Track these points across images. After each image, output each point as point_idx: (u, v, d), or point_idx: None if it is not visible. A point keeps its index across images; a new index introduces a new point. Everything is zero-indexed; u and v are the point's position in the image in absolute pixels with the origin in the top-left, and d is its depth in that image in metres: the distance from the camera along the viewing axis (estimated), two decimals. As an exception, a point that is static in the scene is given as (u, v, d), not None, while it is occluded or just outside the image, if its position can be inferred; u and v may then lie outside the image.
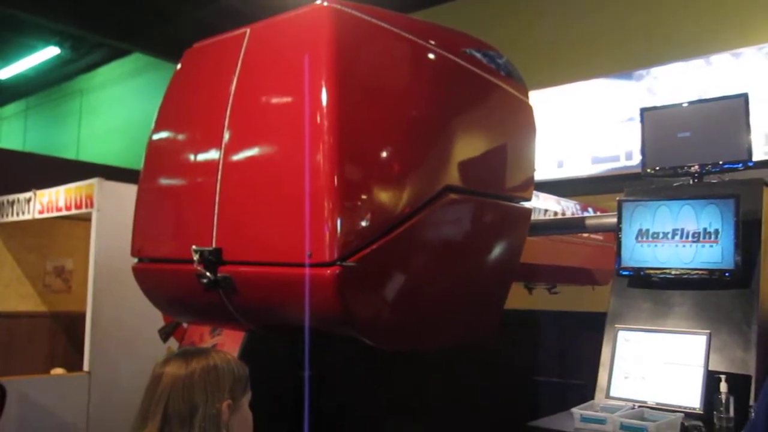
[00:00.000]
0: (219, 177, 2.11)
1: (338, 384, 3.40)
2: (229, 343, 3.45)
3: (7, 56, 8.61)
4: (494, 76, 2.39)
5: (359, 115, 1.93)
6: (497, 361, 3.33)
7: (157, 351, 4.44)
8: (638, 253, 2.22)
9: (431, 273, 2.09)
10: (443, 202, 2.07)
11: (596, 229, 2.66)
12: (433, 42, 2.21)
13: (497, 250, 2.32)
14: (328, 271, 1.80)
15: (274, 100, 2.05)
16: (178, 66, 2.51)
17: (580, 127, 4.35)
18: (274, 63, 2.09)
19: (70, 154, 9.35)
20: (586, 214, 2.77)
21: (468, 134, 2.23)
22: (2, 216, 5.09)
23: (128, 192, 4.30)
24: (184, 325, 4.21)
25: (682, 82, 4.07)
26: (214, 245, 2.09)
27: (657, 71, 4.19)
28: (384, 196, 1.94)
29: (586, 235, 3.66)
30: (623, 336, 2.07)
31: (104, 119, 9.60)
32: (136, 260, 2.46)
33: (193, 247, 2.11)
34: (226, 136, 2.13)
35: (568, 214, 3.57)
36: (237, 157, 2.10)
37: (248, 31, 2.22)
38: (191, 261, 2.14)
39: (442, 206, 2.06)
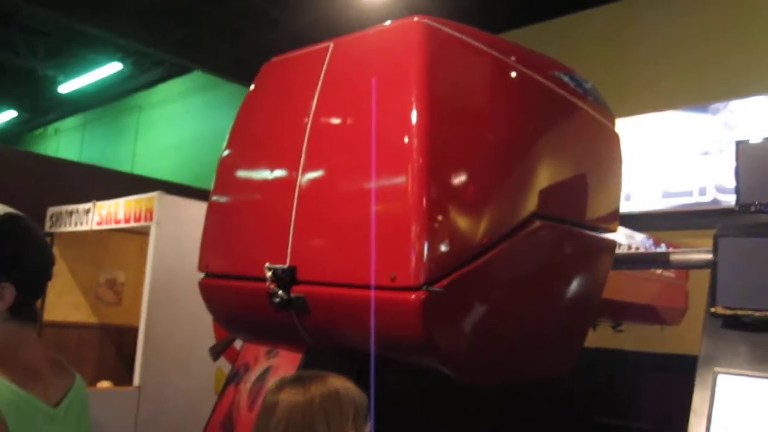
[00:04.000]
0: (296, 194, 2.05)
1: (394, 411, 3.29)
2: (285, 365, 3.37)
3: (71, 70, 8.84)
4: (583, 102, 2.29)
5: (448, 135, 1.85)
6: (556, 398, 3.19)
7: (209, 369, 4.40)
8: (735, 293, 2.07)
9: (515, 302, 1.98)
10: (530, 230, 1.96)
11: (685, 266, 2.52)
12: (522, 63, 2.12)
13: (581, 282, 2.20)
14: (413, 296, 1.71)
15: (359, 118, 1.98)
16: (255, 80, 2.47)
17: (651, 159, 4.20)
18: (359, 78, 2.02)
19: (125, 169, 9.50)
20: (669, 249, 2.63)
21: (556, 160, 2.13)
22: (61, 226, 5.14)
23: (187, 206, 4.32)
24: (236, 344, 4.16)
25: (761, 116, 3.90)
26: (288, 263, 2.02)
27: (735, 105, 4.03)
28: (472, 220, 1.84)
29: (658, 271, 3.51)
30: (723, 381, 1.93)
31: (160, 136, 9.76)
32: (202, 275, 2.41)
33: (267, 264, 2.04)
34: (305, 152, 2.07)
35: (641, 249, 3.42)
36: (316, 174, 2.03)
37: (331, 45, 2.17)
38: (263, 279, 2.07)
39: (529, 233, 1.96)
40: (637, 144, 4.27)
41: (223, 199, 2.37)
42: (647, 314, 3.61)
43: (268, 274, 2.04)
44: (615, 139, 2.43)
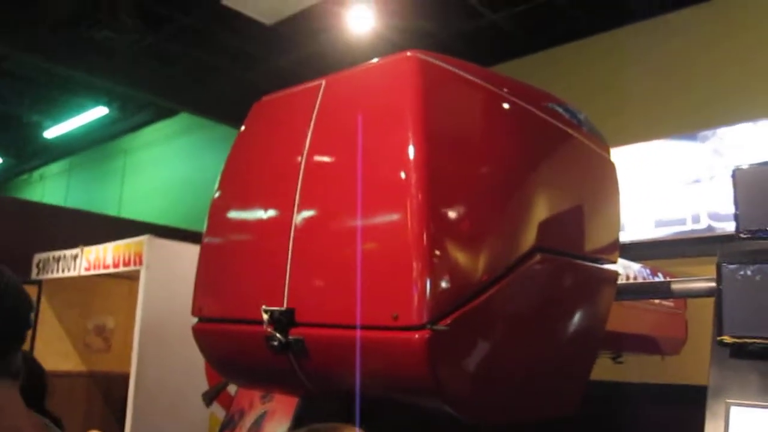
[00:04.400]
0: (291, 234, 2.00)
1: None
2: (280, 410, 3.28)
3: (56, 115, 8.80)
4: (578, 132, 2.28)
5: (447, 170, 1.82)
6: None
7: (202, 416, 4.28)
8: (742, 321, 2.04)
9: (519, 339, 1.93)
10: (533, 263, 1.93)
11: (688, 295, 2.48)
12: (516, 95, 2.11)
13: (584, 316, 2.16)
14: (417, 335, 1.66)
15: (354, 155, 1.95)
16: (246, 120, 2.44)
17: (642, 189, 4.20)
18: (353, 115, 2.00)
19: (111, 213, 9.42)
20: (670, 279, 2.60)
21: (554, 191, 2.10)
22: (48, 272, 5.04)
23: (177, 249, 4.25)
24: (230, 389, 4.05)
25: (750, 143, 3.92)
26: (285, 305, 1.97)
27: (723, 132, 4.05)
28: (473, 256, 1.80)
29: (657, 301, 3.47)
30: (736, 413, 1.88)
31: (147, 179, 9.70)
32: (195, 320, 2.35)
33: (263, 307, 1.99)
34: (300, 192, 2.03)
35: (639, 279, 3.39)
36: (311, 214, 1.99)
37: (323, 83, 2.15)
38: (259, 322, 2.01)
39: (532, 267, 1.92)
40: (627, 174, 4.27)
41: (216, 242, 2.32)
42: (647, 344, 3.56)
43: (265, 316, 1.98)
44: (611, 168, 2.41)
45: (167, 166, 9.31)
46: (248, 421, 3.38)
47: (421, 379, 1.70)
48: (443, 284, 1.70)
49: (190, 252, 4.28)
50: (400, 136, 1.81)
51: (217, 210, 2.33)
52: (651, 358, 3.91)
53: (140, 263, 4.05)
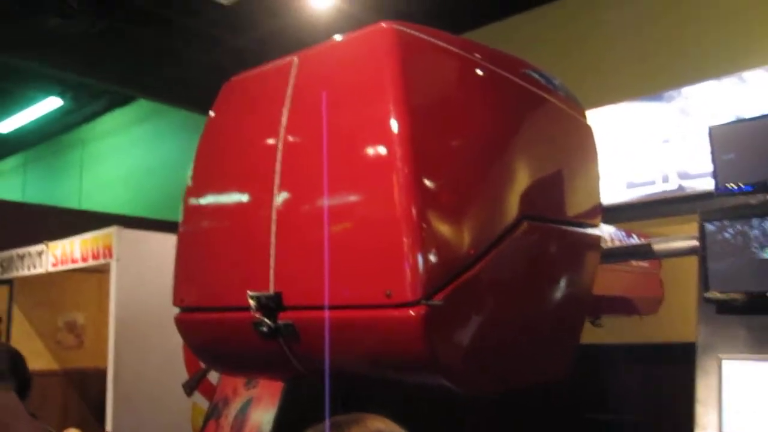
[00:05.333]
0: (273, 217, 1.95)
1: None
2: (266, 395, 3.24)
3: (8, 109, 8.50)
4: (555, 98, 2.26)
5: (431, 142, 1.78)
6: (542, 397, 3.14)
7: (184, 406, 4.22)
8: (727, 277, 2.06)
9: (511, 308, 1.92)
10: (520, 232, 1.91)
11: (671, 254, 2.50)
12: (494, 63, 2.08)
13: (572, 281, 2.16)
14: (412, 311, 1.63)
15: (334, 131, 1.90)
16: (216, 102, 2.36)
17: (611, 152, 4.22)
18: (330, 91, 1.94)
19: (72, 206, 9.17)
20: (652, 240, 2.62)
21: (536, 158, 2.09)
22: (13, 271, 4.89)
23: (147, 240, 4.15)
24: (211, 378, 4.00)
25: (715, 100, 3.96)
26: (272, 290, 1.92)
27: (688, 91, 4.08)
28: (463, 228, 1.78)
29: (633, 262, 3.50)
30: (728, 367, 1.90)
31: (107, 169, 9.46)
32: (176, 311, 2.29)
33: (249, 293, 1.94)
34: (280, 172, 1.97)
35: (616, 242, 3.41)
36: (293, 194, 1.94)
37: (296, 59, 2.09)
38: (245, 308, 1.96)
39: (520, 236, 1.90)
40: (597, 137, 4.28)
41: (195, 230, 2.25)
42: (626, 306, 3.60)
43: (252, 302, 1.93)
44: (589, 132, 2.41)
45: (127, 155, 9.08)
46: (233, 408, 3.34)
47: (417, 355, 1.68)
48: (435, 258, 1.67)
49: (160, 241, 4.20)
50: (382, 109, 1.76)
51: (193, 197, 2.26)
52: (628, 319, 3.96)
53: (110, 256, 3.95)
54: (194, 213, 2.26)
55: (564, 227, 2.10)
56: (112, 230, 3.96)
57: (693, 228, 3.16)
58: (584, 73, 4.57)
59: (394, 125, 1.72)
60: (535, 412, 3.26)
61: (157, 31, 5.93)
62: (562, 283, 2.12)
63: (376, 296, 1.68)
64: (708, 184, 3.97)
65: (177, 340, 4.39)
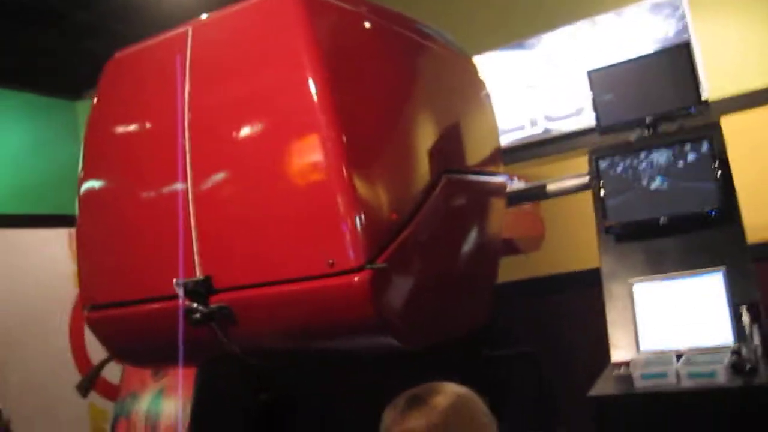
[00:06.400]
0: (191, 197, 1.86)
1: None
2: (176, 384, 3.13)
3: None
4: (449, 52, 2.31)
5: (350, 103, 1.76)
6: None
7: (80, 408, 3.97)
8: (623, 208, 2.24)
9: (443, 260, 1.98)
10: (443, 186, 1.96)
11: (566, 192, 2.66)
12: (393, 21, 2.09)
13: (488, 227, 2.26)
14: (357, 278, 1.63)
15: (247, 102, 1.83)
16: (100, 83, 2.18)
17: (483, 101, 4.36)
18: (237, 60, 1.86)
19: None
20: (543, 181, 2.78)
21: (444, 112, 2.14)
22: None
23: (18, 238, 3.81)
24: (109, 377, 3.78)
25: (572, 45, 4.21)
26: (200, 274, 1.84)
27: (547, 37, 4.29)
28: (394, 187, 1.80)
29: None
30: (637, 289, 2.08)
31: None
32: (84, 310, 2.14)
33: (176, 280, 1.85)
34: (190, 150, 1.88)
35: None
36: (211, 173, 1.85)
37: (190, 29, 1.97)
38: (171, 297, 1.88)
39: (443, 190, 1.95)
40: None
41: (98, 224, 2.09)
42: (517, 246, 3.80)
43: (179, 290, 1.85)
44: (481, 81, 2.49)
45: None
46: (144, 401, 3.20)
47: (366, 319, 1.69)
48: (373, 222, 1.68)
49: (26, 238, 3.87)
50: (299, 74, 1.71)
51: (90, 189, 2.10)
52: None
53: (-26, 260, 3.58)
54: (94, 206, 2.10)
55: (478, 177, 2.18)
56: (-28, 233, 3.59)
57: (562, 166, 3.36)
58: (453, 26, 4.63)
59: (314, 89, 1.69)
60: (434, 355, 3.39)
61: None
62: (481, 232, 2.21)
63: (317, 267, 1.67)
64: (572, 125, 4.24)
65: (62, 343, 4.11)
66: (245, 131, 1.81)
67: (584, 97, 3.10)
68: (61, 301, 3.77)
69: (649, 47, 3.74)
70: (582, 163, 2.56)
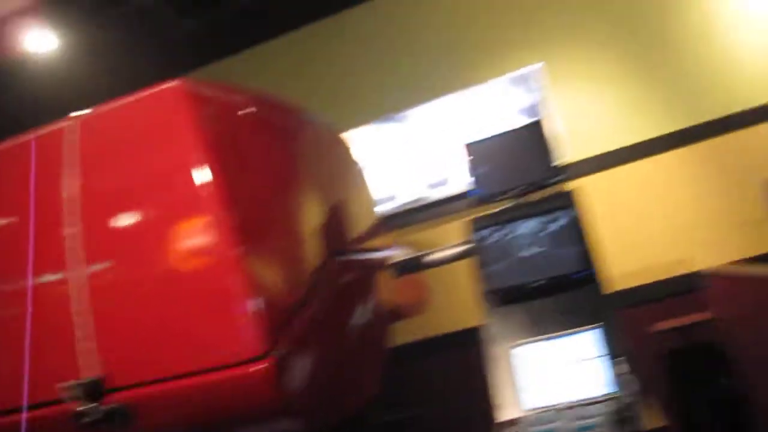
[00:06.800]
0: (77, 288, 1.80)
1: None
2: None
3: None
4: (328, 134, 2.42)
5: (240, 188, 1.80)
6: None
7: None
8: (501, 271, 2.40)
9: (337, 338, 2.04)
10: (333, 268, 2.03)
11: (452, 260, 2.80)
12: (272, 108, 2.17)
13: (378, 301, 2.34)
14: (260, 366, 1.64)
15: (138, 188, 1.81)
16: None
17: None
18: (129, 151, 1.85)
19: None
20: (431, 250, 2.91)
21: (329, 193, 2.23)
22: None
23: None
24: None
25: (432, 119, 4.49)
26: (87, 375, 1.77)
27: (411, 113, 4.54)
28: (287, 270, 1.84)
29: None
30: (517, 351, 2.22)
31: None
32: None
33: (63, 384, 1.76)
34: (79, 240, 1.82)
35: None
36: (100, 260, 1.81)
37: (76, 123, 1.94)
38: (55, 402, 1.78)
39: (333, 272, 2.02)
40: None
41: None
42: (401, 312, 3.92)
43: (69, 393, 1.76)
44: (356, 163, 2.61)
45: None
46: None
47: (271, 404, 1.70)
48: (270, 307, 1.70)
49: None
50: (189, 160, 1.74)
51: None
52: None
53: None
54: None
55: (364, 255, 2.27)
56: None
57: (434, 232, 3.51)
58: (327, 102, 4.78)
59: (202, 174, 1.72)
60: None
61: None
62: (370, 306, 2.29)
63: (220, 357, 1.66)
64: (439, 193, 4.47)
65: None
66: (136, 219, 1.79)
67: (449, 167, 3.32)
68: None
69: (513, 117, 4.08)
70: (452, 228, 2.75)
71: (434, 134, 4.38)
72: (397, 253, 3.15)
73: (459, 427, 3.29)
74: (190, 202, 1.74)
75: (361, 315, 2.24)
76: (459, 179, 3.40)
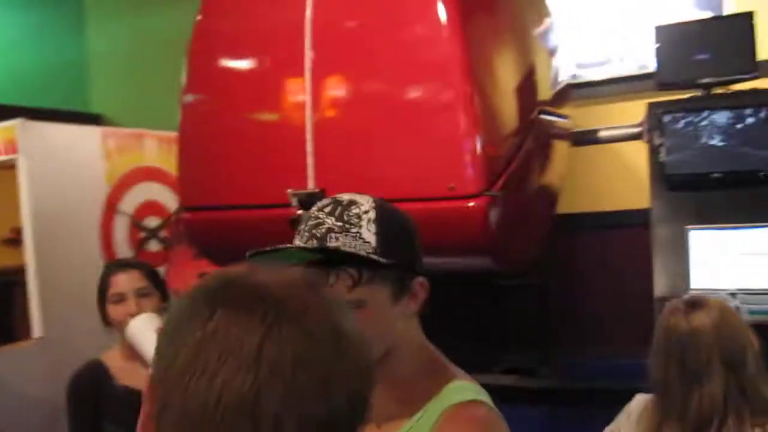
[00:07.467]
0: (309, 109, 1.96)
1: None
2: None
3: None
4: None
5: (478, 29, 1.89)
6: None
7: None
8: (683, 158, 2.42)
9: (531, 192, 2.17)
10: (540, 124, 2.12)
11: (618, 140, 2.81)
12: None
13: (558, 161, 2.44)
14: (474, 203, 1.79)
15: (378, 18, 1.92)
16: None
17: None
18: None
19: None
20: (598, 128, 2.94)
21: (537, 51, 2.27)
22: None
23: (55, 133, 3.82)
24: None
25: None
26: (314, 187, 1.97)
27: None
28: (506, 119, 1.95)
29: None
30: (693, 234, 2.29)
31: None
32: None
33: (289, 190, 1.97)
34: (311, 63, 1.96)
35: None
36: (333, 85, 1.96)
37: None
38: (276, 205, 2.00)
39: (539, 128, 2.12)
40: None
41: (202, 132, 2.18)
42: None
43: (293, 200, 1.97)
44: (551, 20, 2.59)
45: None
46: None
47: (476, 241, 1.86)
48: (490, 152, 1.83)
49: (66, 135, 3.88)
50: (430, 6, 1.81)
51: (196, 97, 2.18)
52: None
53: (15, 151, 3.60)
54: (198, 113, 2.19)
55: (557, 119, 2.34)
56: (15, 123, 3.59)
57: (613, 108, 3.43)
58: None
59: (442, 15, 1.79)
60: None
61: None
62: (554, 163, 2.39)
63: (437, 189, 1.81)
64: (619, 70, 4.21)
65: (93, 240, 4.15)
66: (372, 47, 1.90)
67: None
68: (93, 200, 3.90)
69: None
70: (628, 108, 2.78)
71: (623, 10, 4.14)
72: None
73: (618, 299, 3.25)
74: (429, 37, 1.83)
75: (548, 175, 2.35)
76: (642, 59, 3.27)
